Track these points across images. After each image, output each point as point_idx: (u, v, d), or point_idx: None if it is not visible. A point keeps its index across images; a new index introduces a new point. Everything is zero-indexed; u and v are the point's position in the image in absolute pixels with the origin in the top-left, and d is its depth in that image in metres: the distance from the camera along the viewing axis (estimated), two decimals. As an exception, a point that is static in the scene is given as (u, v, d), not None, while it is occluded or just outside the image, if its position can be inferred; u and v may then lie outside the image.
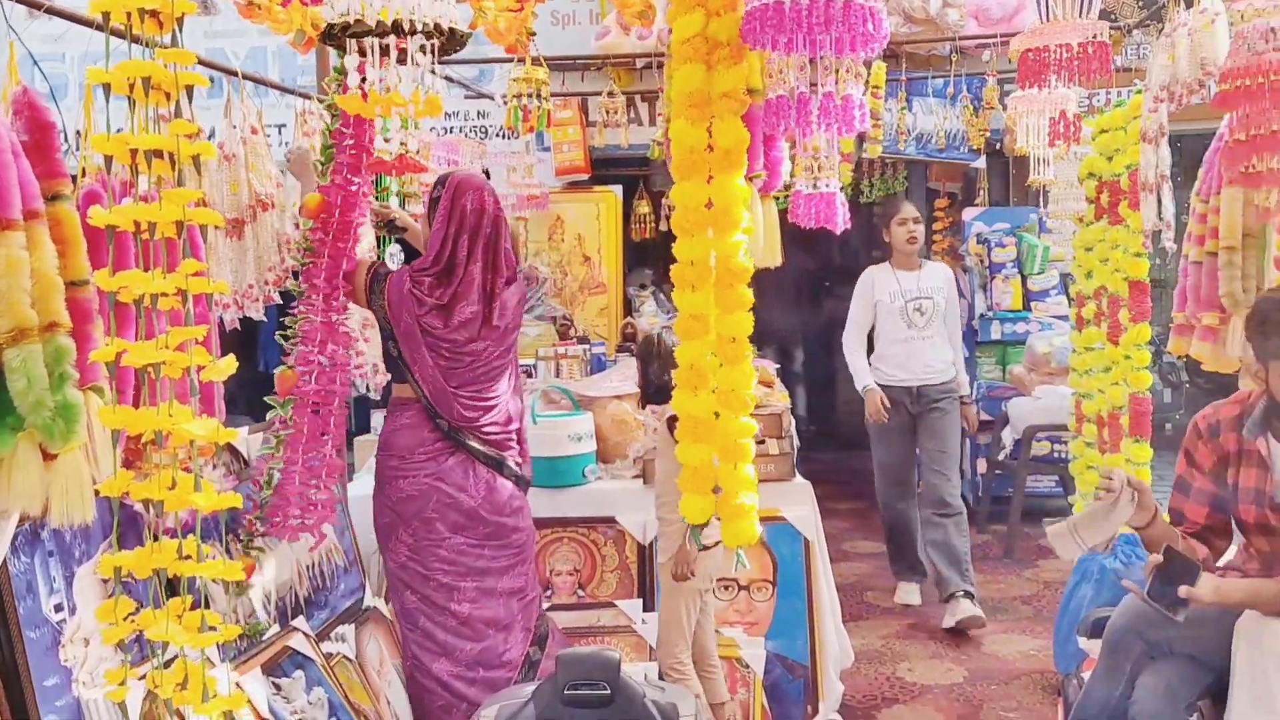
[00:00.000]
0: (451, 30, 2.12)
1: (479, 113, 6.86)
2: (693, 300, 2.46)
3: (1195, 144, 4.88)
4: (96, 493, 2.05)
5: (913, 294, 4.99)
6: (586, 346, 5.28)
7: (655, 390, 3.42)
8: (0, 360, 1.93)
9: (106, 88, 1.88)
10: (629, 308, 6.72)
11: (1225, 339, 3.63)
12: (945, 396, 5.00)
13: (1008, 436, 6.35)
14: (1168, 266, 8.39)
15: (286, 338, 2.98)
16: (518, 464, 3.28)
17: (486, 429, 3.18)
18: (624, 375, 4.42)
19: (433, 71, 2.06)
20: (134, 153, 1.89)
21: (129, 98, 1.91)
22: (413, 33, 2.10)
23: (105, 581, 2.39)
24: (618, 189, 6.84)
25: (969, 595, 4.75)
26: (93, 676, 2.30)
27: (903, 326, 4.99)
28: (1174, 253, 4.20)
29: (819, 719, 3.72)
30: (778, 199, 4.69)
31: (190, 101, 1.98)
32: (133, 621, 1.87)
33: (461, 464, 3.16)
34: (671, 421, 3.29)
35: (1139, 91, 4.29)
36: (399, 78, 2.10)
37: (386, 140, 2.94)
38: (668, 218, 7.01)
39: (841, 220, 2.93)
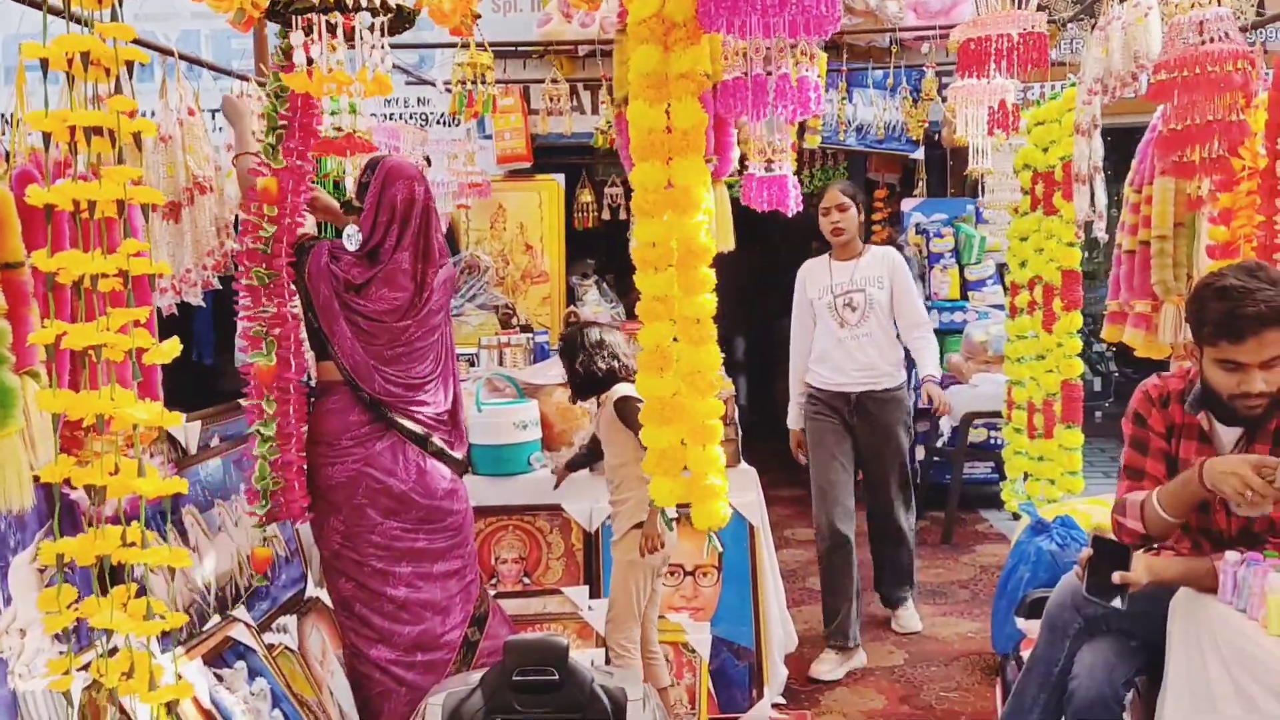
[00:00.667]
0: (399, 7, 2.09)
1: (419, 99, 6.79)
2: (655, 282, 2.45)
3: (1125, 137, 4.98)
4: (36, 479, 1.99)
5: (843, 287, 4.41)
6: (529, 335, 5.26)
7: (585, 381, 3.40)
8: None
9: (44, 63, 1.83)
10: (571, 296, 6.70)
11: (1158, 326, 3.74)
12: (890, 405, 4.42)
13: (945, 424, 6.46)
14: (1095, 259, 8.57)
15: (258, 332, 2.96)
16: (445, 443, 3.23)
17: (413, 408, 3.15)
18: (568, 364, 4.41)
19: (383, 52, 2.03)
20: (72, 130, 1.84)
21: (67, 74, 1.86)
22: (358, 9, 2.07)
23: (41, 571, 2.33)
24: (560, 177, 6.82)
25: (909, 593, 4.69)
26: (29, 668, 2.24)
27: (834, 325, 4.41)
28: (1105, 243, 4.30)
29: (764, 703, 3.76)
30: (729, 185, 4.69)
31: (131, 78, 1.92)
32: (75, 610, 1.82)
33: (391, 448, 3.12)
34: (620, 404, 3.28)
35: (1073, 84, 4.39)
36: (343, 56, 2.06)
37: (335, 127, 2.90)
38: (610, 207, 7.09)
39: (794, 203, 2.91)
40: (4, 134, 2.65)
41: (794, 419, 4.63)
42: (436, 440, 3.19)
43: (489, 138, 6.57)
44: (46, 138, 1.86)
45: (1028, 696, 2.69)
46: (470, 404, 3.95)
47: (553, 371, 4.55)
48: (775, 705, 3.82)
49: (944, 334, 6.90)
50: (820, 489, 4.44)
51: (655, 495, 2.66)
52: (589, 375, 3.37)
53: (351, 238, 3.01)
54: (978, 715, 3.77)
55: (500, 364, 4.91)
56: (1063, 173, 4.52)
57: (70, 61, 1.83)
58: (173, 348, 1.84)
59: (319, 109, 3.05)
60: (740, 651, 3.79)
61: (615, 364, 3.38)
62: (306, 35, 2.05)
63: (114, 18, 1.89)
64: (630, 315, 6.02)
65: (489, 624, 3.33)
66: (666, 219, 2.48)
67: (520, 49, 6.34)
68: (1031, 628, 3.39)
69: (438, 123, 6.72)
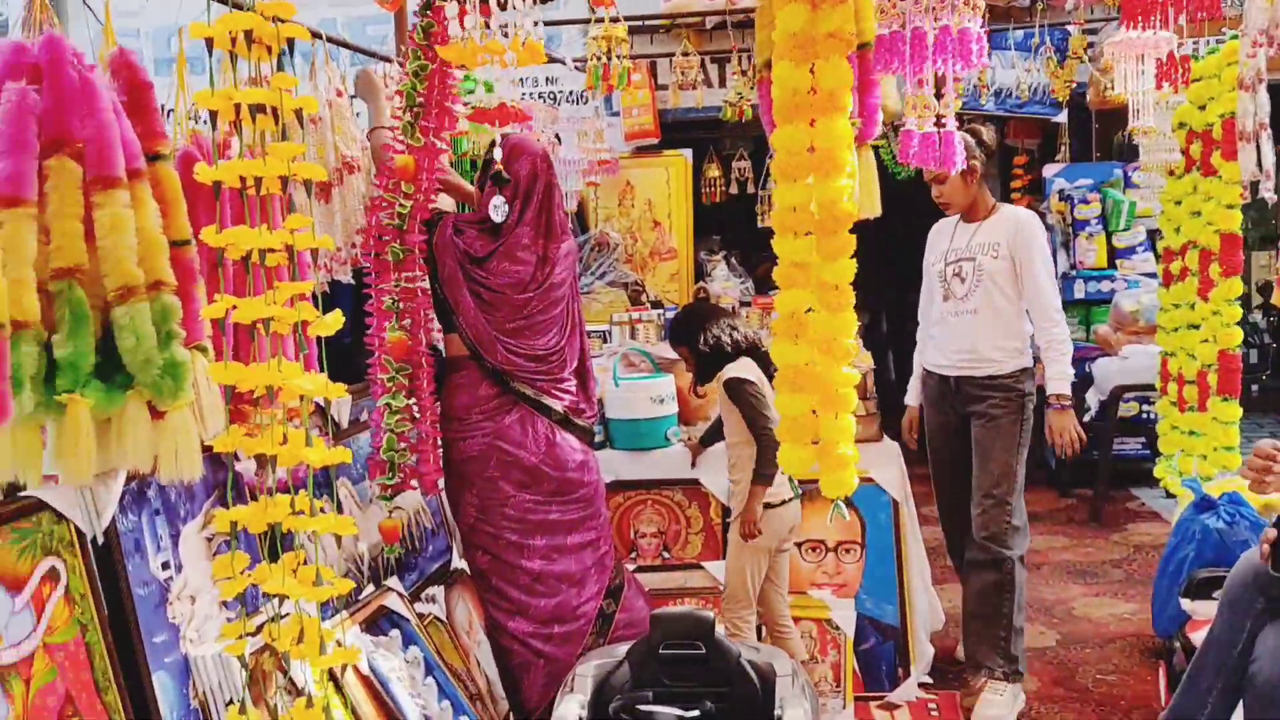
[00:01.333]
0: (549, -24, 2.08)
1: (548, 78, 6.82)
2: (794, 247, 2.40)
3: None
4: (205, 450, 2.05)
5: (956, 254, 3.68)
6: (660, 311, 5.25)
7: (714, 356, 3.35)
8: (108, 318, 1.94)
9: (209, 42, 1.87)
10: (700, 272, 6.66)
11: (1336, 290, 3.50)
12: (992, 395, 3.60)
13: (1092, 398, 6.22)
14: (1244, 226, 8.08)
15: (390, 306, 3.02)
16: (573, 413, 3.24)
17: (538, 379, 3.17)
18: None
19: (535, 23, 2.01)
20: (237, 108, 1.88)
21: (230, 53, 1.90)
22: (511, -21, 2.06)
23: (209, 540, 2.41)
24: (687, 153, 6.77)
25: (1007, 676, 3.52)
26: (199, 633, 2.33)
27: (940, 298, 3.73)
28: (1274, 204, 4.04)
29: (910, 682, 3.67)
30: (876, 148, 4.54)
31: (292, 57, 1.95)
32: (249, 576, 1.88)
33: (520, 421, 3.16)
34: (729, 385, 3.26)
35: (1234, 37, 4.13)
36: (495, 26, 2.05)
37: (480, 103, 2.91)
38: (738, 181, 7.00)
39: (960, 160, 2.74)
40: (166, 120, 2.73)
41: (911, 395, 4.03)
42: (562, 411, 3.21)
43: (617, 114, 6.56)
44: (213, 116, 1.90)
45: (1204, 680, 2.56)
46: (607, 380, 3.96)
47: (686, 347, 4.52)
48: (922, 684, 3.72)
49: (1091, 304, 6.63)
50: (938, 492, 3.95)
51: (784, 463, 2.61)
52: (718, 348, 3.34)
53: (498, 208, 3.05)
54: (1138, 700, 3.60)
55: (632, 339, 4.92)
56: (1222, 131, 4.27)
57: (234, 40, 1.87)
58: (336, 320, 1.88)
59: (456, 88, 3.08)
60: (885, 629, 3.71)
61: (736, 335, 3.36)
62: (460, 4, 2.05)
63: (272, -4, 1.92)
64: (759, 290, 5.96)
65: (624, 596, 3.34)
66: (809, 183, 2.41)
67: (647, 23, 6.30)
68: (1198, 609, 3.23)
69: (566, 100, 6.74)
